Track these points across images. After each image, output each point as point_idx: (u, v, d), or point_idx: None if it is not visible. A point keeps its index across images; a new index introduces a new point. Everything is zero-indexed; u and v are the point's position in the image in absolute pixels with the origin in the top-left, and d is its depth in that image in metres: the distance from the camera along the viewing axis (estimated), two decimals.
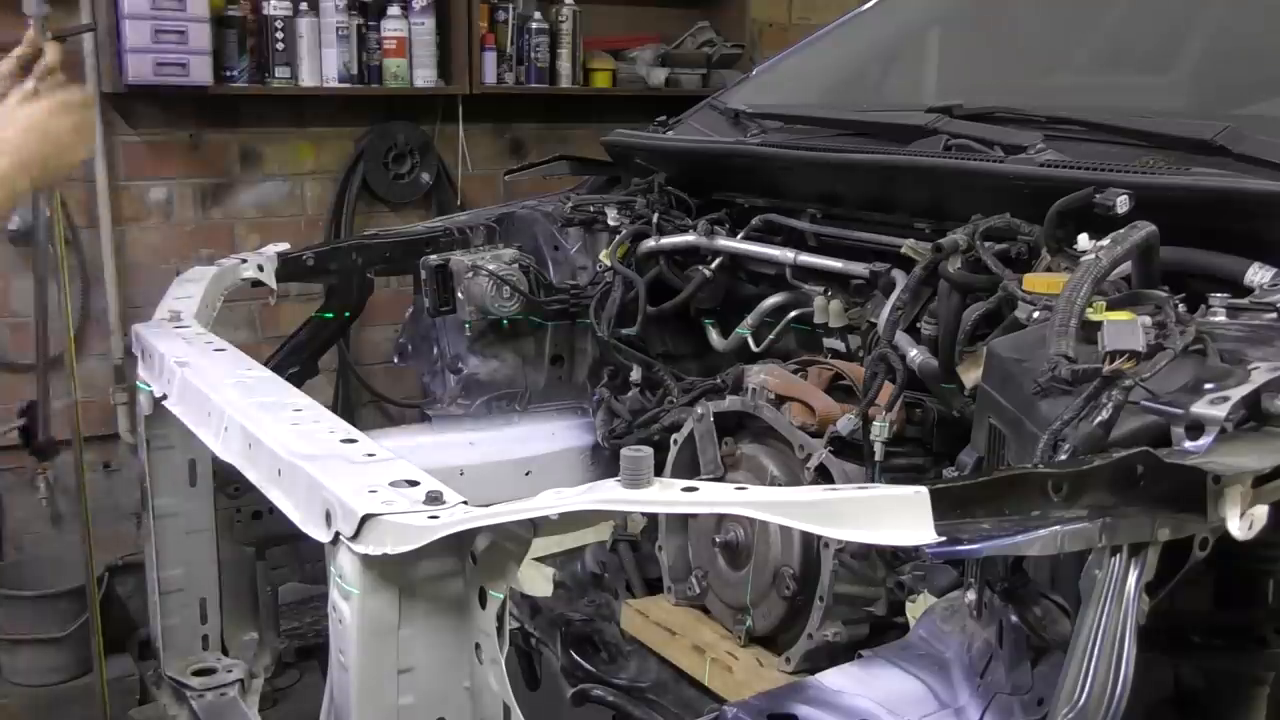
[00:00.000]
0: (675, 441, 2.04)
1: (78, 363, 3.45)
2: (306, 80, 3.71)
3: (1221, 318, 1.27)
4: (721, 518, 1.89)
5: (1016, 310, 1.51)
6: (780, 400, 1.89)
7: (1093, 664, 0.96)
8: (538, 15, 4.09)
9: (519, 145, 4.26)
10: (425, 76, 3.88)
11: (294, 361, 2.37)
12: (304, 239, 3.55)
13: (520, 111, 4.25)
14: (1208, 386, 1.08)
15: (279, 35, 3.63)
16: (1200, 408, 1.04)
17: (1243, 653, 1.18)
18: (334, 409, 2.32)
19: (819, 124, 2.21)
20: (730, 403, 1.97)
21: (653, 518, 2.07)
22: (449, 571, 1.17)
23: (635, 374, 2.30)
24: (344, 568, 1.16)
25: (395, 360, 2.71)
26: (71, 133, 1.75)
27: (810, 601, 1.75)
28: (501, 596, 1.16)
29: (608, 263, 2.31)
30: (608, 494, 1.05)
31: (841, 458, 1.78)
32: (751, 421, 1.94)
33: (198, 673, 2.07)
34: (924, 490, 0.95)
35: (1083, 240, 1.45)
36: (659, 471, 1.07)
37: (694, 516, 1.97)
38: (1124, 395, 1.09)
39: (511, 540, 1.15)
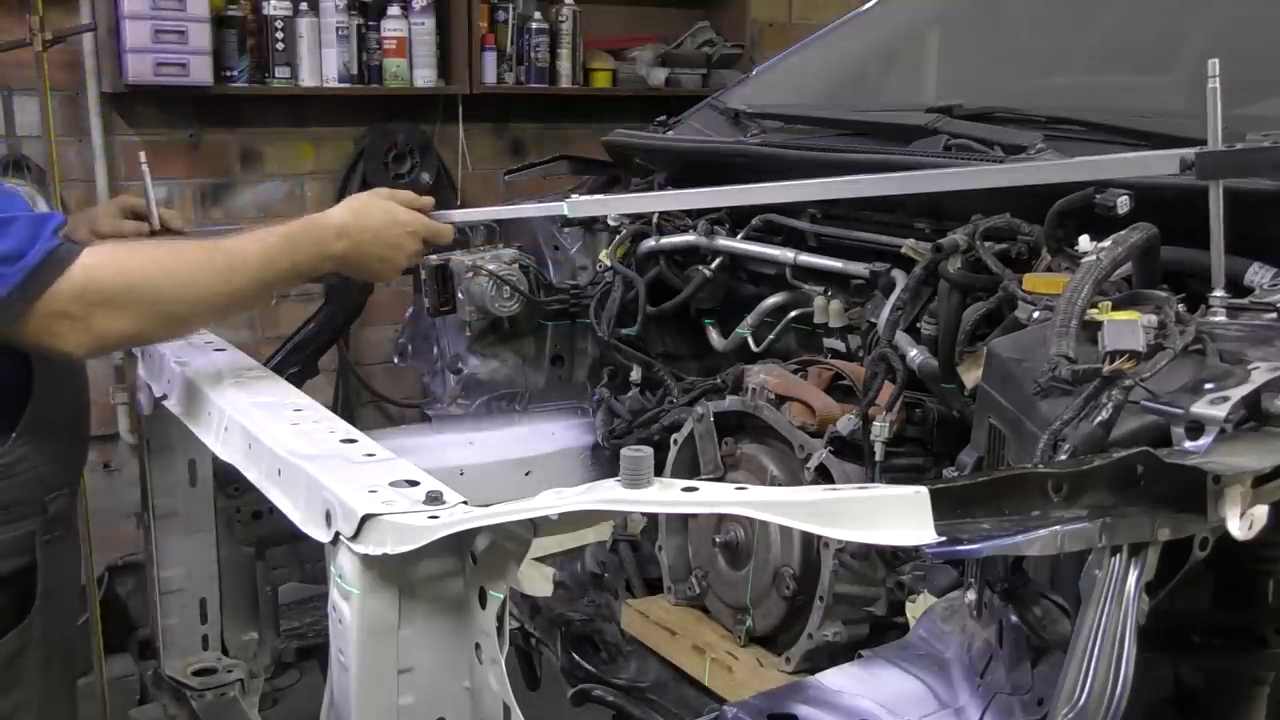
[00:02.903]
0: (675, 441, 2.04)
1: None
2: (306, 80, 3.71)
3: (1221, 318, 1.27)
4: (721, 518, 1.89)
5: (1016, 310, 1.51)
6: (780, 400, 1.89)
7: (1093, 664, 0.96)
8: (538, 15, 4.09)
9: (519, 145, 4.26)
10: (425, 76, 3.88)
11: (294, 361, 2.37)
12: None
13: (520, 111, 4.24)
14: (1208, 386, 1.08)
15: (279, 35, 3.63)
16: (1200, 408, 1.04)
17: (1243, 653, 1.18)
18: (334, 409, 2.32)
19: (819, 124, 2.21)
20: (730, 403, 1.97)
21: (653, 518, 2.07)
22: (449, 571, 1.17)
23: (635, 374, 2.30)
24: (344, 568, 1.16)
25: (395, 360, 2.70)
26: (401, 252, 1.73)
27: (810, 601, 1.76)
28: (501, 596, 1.16)
29: (608, 263, 2.31)
30: (608, 494, 1.05)
31: (841, 458, 1.78)
32: (751, 421, 1.94)
33: (198, 673, 2.08)
34: (924, 490, 0.95)
35: (1083, 241, 1.45)
36: (659, 471, 1.07)
37: (694, 516, 1.97)
38: (1124, 395, 1.09)
39: (511, 540, 1.15)
